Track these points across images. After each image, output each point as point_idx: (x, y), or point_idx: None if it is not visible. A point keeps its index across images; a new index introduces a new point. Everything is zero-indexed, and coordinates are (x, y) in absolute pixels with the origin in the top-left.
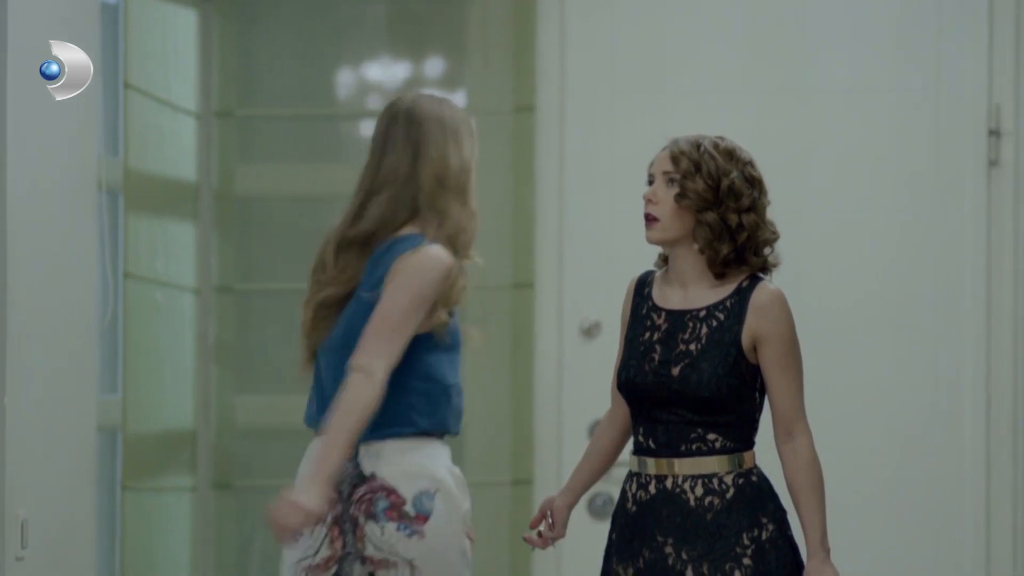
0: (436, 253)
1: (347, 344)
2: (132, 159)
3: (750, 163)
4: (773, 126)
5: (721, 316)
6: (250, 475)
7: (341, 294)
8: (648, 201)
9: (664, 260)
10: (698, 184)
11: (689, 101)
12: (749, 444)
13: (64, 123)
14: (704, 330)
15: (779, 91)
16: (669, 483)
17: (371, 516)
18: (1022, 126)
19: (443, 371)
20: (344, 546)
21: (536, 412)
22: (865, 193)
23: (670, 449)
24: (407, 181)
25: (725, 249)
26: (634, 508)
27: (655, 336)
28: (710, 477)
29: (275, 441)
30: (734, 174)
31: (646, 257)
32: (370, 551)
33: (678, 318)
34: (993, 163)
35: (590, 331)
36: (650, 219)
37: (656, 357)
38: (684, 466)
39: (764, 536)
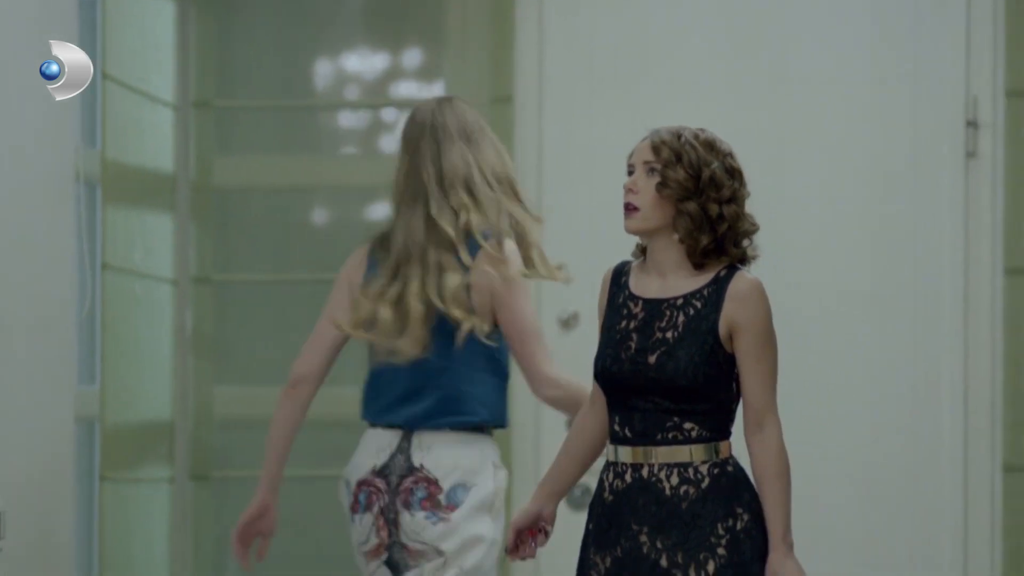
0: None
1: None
2: (110, 150)
3: (730, 154)
4: (751, 118)
5: (698, 304)
6: (228, 466)
7: None
8: (628, 191)
9: (642, 251)
10: (679, 174)
11: (668, 93)
12: (726, 434)
13: (41, 114)
14: (681, 318)
15: (757, 83)
16: (645, 472)
17: (407, 506)
18: (1000, 117)
19: (506, 363)
20: (389, 535)
21: (514, 403)
22: (843, 185)
23: (646, 438)
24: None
25: (705, 240)
26: (611, 498)
27: (632, 324)
28: (686, 466)
29: (253, 432)
30: (715, 164)
31: (624, 247)
32: (405, 540)
33: (655, 307)
34: (971, 154)
35: (568, 322)
36: (630, 208)
37: (633, 345)
38: (660, 455)
39: (739, 526)
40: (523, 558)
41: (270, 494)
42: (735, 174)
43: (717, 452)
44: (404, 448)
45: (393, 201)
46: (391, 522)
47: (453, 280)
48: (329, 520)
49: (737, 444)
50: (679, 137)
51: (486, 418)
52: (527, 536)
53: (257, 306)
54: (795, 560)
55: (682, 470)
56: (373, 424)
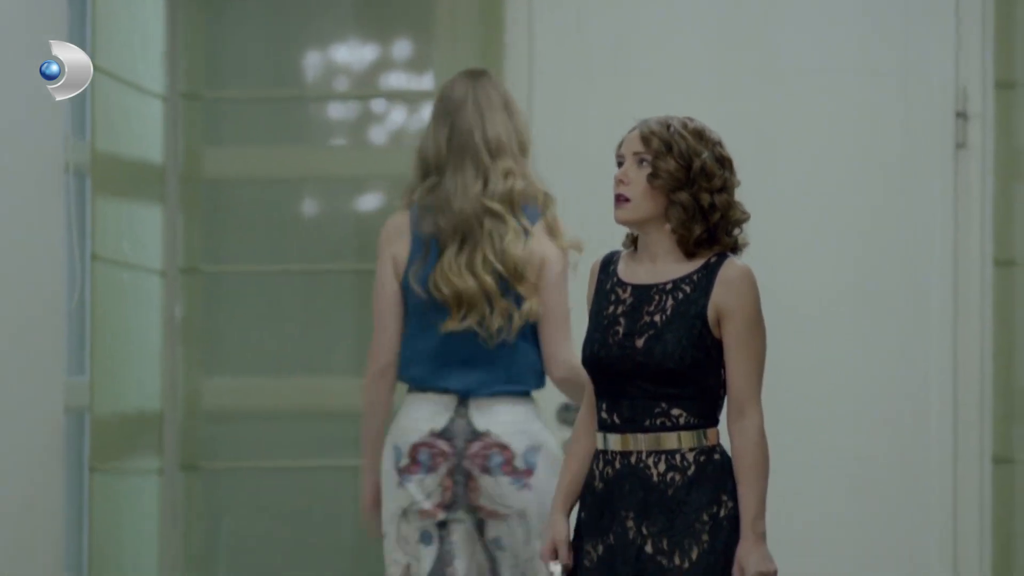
0: None
1: None
2: (100, 141)
3: (719, 143)
4: (741, 109)
5: (688, 289)
6: (217, 457)
7: None
8: (619, 182)
9: (632, 240)
10: (670, 164)
11: (657, 82)
12: (713, 421)
13: (31, 105)
14: (670, 302)
15: (747, 75)
16: (633, 459)
17: (486, 470)
18: (989, 109)
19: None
20: (454, 496)
21: None
22: (833, 176)
23: (634, 424)
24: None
25: (698, 229)
26: (601, 485)
27: (619, 309)
28: (673, 453)
29: (242, 423)
30: (705, 154)
31: (615, 238)
32: (483, 502)
33: (644, 292)
34: (960, 145)
35: None
36: (620, 199)
37: (620, 330)
38: (647, 441)
39: (723, 513)
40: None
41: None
42: (725, 163)
43: (704, 439)
44: (463, 413)
45: (429, 166)
46: (460, 484)
47: (515, 249)
48: (321, 510)
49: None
50: (668, 127)
51: (534, 385)
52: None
53: (246, 297)
54: (762, 549)
55: (669, 457)
56: (421, 388)
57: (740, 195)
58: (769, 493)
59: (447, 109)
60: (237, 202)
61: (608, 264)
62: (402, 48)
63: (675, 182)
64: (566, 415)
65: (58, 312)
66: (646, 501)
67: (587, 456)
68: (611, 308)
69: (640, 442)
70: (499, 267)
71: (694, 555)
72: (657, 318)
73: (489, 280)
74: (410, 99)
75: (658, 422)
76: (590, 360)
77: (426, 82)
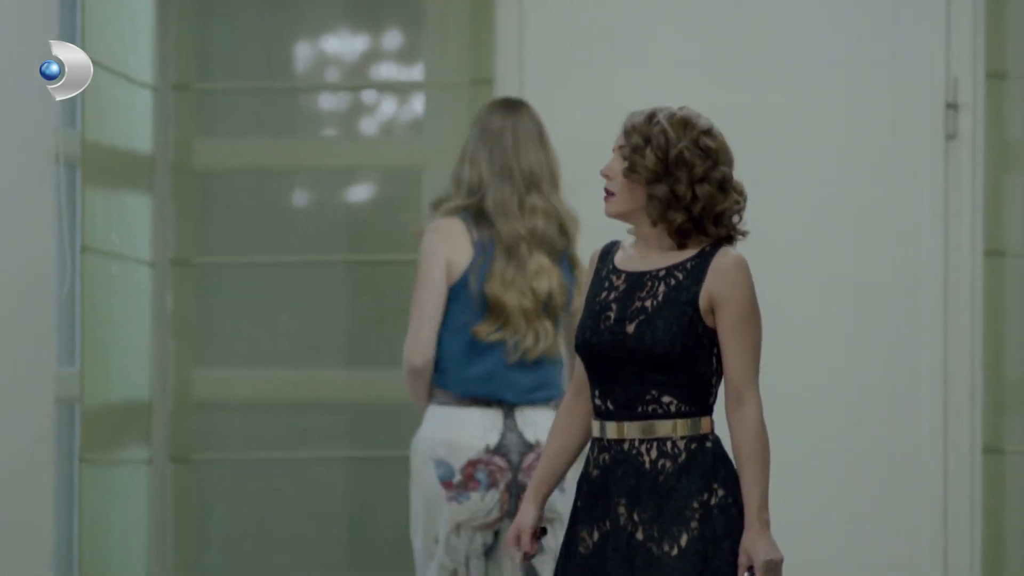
0: None
1: None
2: (90, 132)
3: (706, 132)
4: (732, 100)
5: (680, 276)
6: (208, 448)
7: None
8: (605, 176)
9: None
10: (647, 158)
11: (648, 75)
12: (705, 409)
13: (21, 96)
14: (662, 288)
15: (738, 65)
16: (626, 446)
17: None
18: (980, 99)
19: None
20: (510, 509)
21: None
22: (823, 166)
23: (627, 411)
24: None
25: (679, 219)
26: (596, 472)
27: (612, 296)
28: (664, 440)
29: (233, 414)
30: (683, 144)
31: (604, 227)
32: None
33: (637, 279)
34: (951, 136)
35: None
36: (607, 193)
37: (612, 315)
38: (639, 429)
39: (713, 501)
40: (531, 557)
41: None
42: (709, 152)
43: (696, 427)
44: (512, 426)
45: (468, 190)
46: (515, 497)
47: (555, 277)
48: (311, 501)
49: (721, 422)
50: (651, 119)
51: (561, 393)
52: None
53: (237, 288)
54: (768, 538)
55: (660, 444)
56: (465, 400)
57: None
58: None
59: (485, 138)
60: (227, 193)
61: (607, 253)
62: (392, 39)
63: (652, 175)
64: None
65: (48, 303)
66: (638, 488)
67: (563, 450)
68: (604, 295)
69: (632, 429)
70: (543, 296)
71: (683, 542)
72: (648, 304)
73: (528, 301)
74: (401, 90)
75: (649, 409)
76: (582, 346)
77: (416, 73)
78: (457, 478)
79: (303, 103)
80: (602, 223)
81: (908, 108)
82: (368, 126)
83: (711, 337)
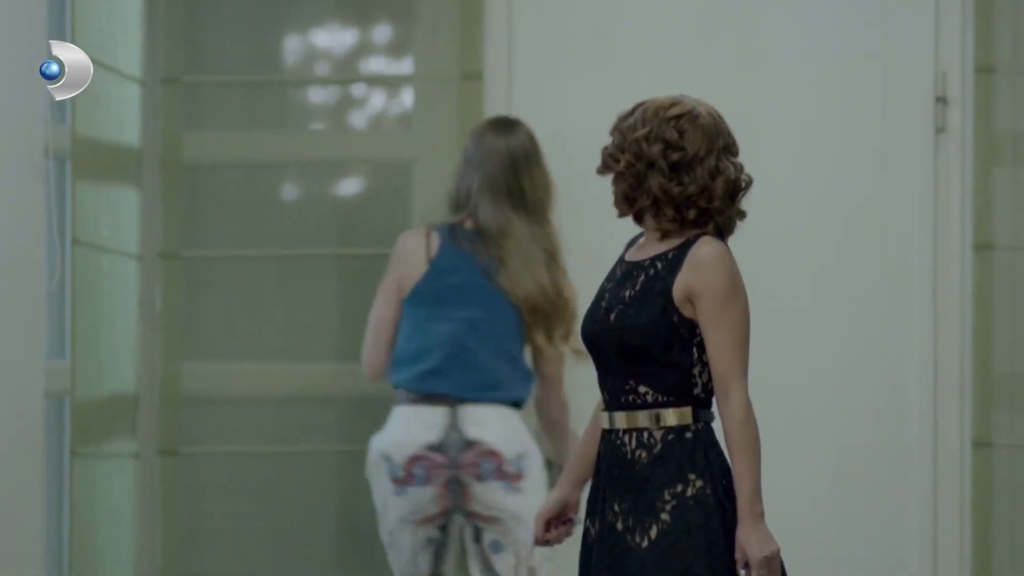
0: None
1: None
2: (80, 126)
3: (675, 117)
4: (721, 94)
5: (659, 266)
6: (197, 442)
7: None
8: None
9: None
10: (620, 161)
11: (637, 69)
12: (684, 400)
13: (10, 89)
14: (642, 278)
15: (728, 59)
16: (613, 436)
17: (478, 478)
18: (969, 93)
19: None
20: (451, 504)
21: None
22: (812, 161)
23: (615, 401)
24: None
25: (644, 205)
26: (599, 463)
27: (609, 286)
28: (642, 431)
29: (222, 408)
30: (640, 133)
31: (591, 221)
32: (477, 508)
33: (630, 269)
34: (940, 130)
35: None
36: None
37: (603, 305)
38: (623, 419)
39: (689, 492)
40: (549, 543)
41: None
42: (669, 139)
43: (675, 418)
44: (455, 424)
45: (460, 204)
46: (456, 493)
47: (533, 284)
48: (301, 495)
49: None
50: (631, 112)
51: (519, 396)
52: (553, 525)
53: (226, 281)
54: (761, 532)
55: (639, 434)
56: (414, 398)
57: None
58: None
59: (477, 157)
60: (216, 187)
61: (629, 245)
62: (382, 32)
63: (616, 166)
64: None
65: (38, 297)
66: (620, 479)
67: (593, 440)
68: (605, 284)
69: (618, 420)
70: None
71: (652, 534)
72: (627, 293)
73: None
74: (390, 84)
75: (629, 399)
76: (583, 334)
77: (406, 67)
78: (400, 474)
79: (292, 96)
80: (593, 219)
81: (897, 102)
82: (357, 120)
83: (690, 328)
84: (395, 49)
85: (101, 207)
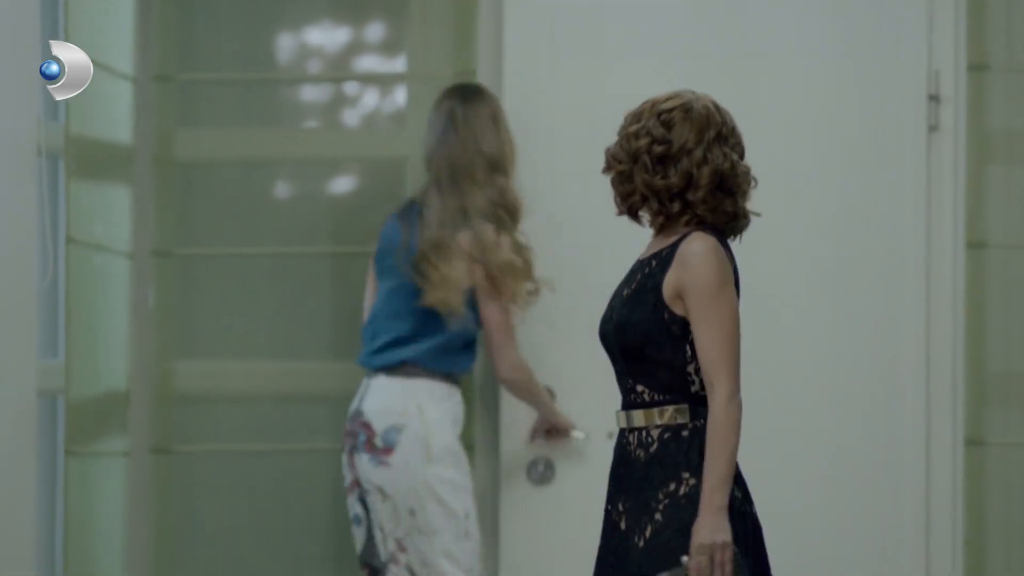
0: None
1: None
2: (73, 124)
3: (666, 111)
4: (714, 90)
5: (654, 264)
6: (190, 440)
7: None
8: None
9: None
10: (617, 159)
11: (629, 66)
12: (681, 398)
13: (3, 88)
14: (639, 277)
15: (720, 55)
16: (621, 435)
17: (354, 449)
18: (961, 91)
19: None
20: (356, 476)
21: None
22: (804, 158)
23: (623, 401)
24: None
25: (654, 206)
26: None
27: (620, 284)
28: (641, 430)
29: (215, 406)
30: (634, 127)
31: (583, 219)
32: (361, 479)
33: (635, 267)
34: (933, 128)
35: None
36: None
37: (612, 305)
38: (626, 418)
39: (682, 491)
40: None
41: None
42: (655, 133)
43: (671, 416)
44: (363, 394)
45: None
46: (353, 463)
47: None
48: (294, 494)
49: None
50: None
51: (434, 366)
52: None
53: (219, 280)
54: (715, 520)
55: (639, 433)
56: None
57: None
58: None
59: (453, 115)
60: (209, 185)
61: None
62: (375, 30)
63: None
64: None
65: (31, 295)
66: (624, 477)
67: None
68: (621, 283)
69: (623, 418)
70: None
71: (648, 533)
72: (625, 292)
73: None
74: (383, 82)
75: (631, 398)
76: (599, 336)
77: (399, 65)
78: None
79: (285, 95)
80: (586, 217)
81: (890, 100)
82: (351, 118)
83: (682, 325)
84: (388, 47)
85: (94, 205)
